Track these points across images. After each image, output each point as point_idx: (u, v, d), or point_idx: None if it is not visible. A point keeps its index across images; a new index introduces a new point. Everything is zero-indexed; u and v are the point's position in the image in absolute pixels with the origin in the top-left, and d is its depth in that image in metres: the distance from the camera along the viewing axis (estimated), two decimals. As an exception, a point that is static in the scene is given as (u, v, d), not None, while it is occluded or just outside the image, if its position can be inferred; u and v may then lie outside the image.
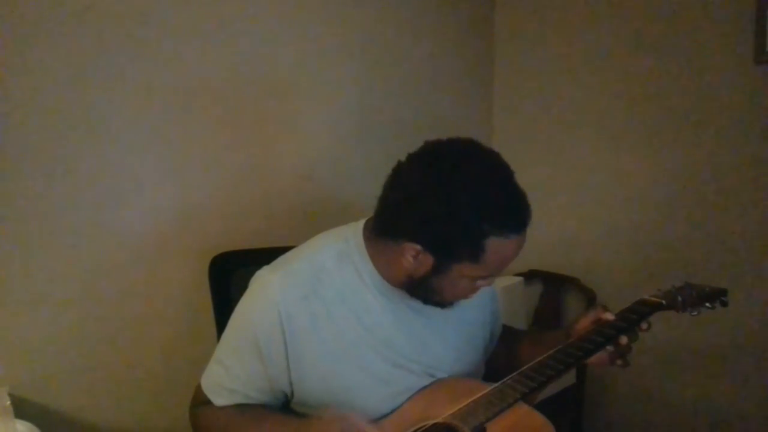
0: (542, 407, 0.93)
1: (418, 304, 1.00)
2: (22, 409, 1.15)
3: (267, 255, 1.03)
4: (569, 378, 1.84)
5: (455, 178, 0.84)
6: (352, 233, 1.00)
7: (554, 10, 1.92)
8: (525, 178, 1.06)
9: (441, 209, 0.84)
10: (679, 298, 1.06)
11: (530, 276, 2.01)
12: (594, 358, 0.96)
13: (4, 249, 1.17)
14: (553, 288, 2.01)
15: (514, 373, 0.93)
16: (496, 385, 0.93)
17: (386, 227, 0.93)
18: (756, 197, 1.58)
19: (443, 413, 0.90)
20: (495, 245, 0.84)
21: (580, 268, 1.93)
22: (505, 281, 1.83)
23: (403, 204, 0.89)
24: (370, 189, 1.01)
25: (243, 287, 1.01)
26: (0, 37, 1.13)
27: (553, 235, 1.98)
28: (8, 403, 1.09)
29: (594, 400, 1.91)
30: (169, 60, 1.33)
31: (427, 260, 0.88)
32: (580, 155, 1.92)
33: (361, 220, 1.02)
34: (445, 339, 1.02)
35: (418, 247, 0.87)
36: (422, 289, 0.93)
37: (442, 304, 0.97)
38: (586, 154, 1.90)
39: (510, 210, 0.85)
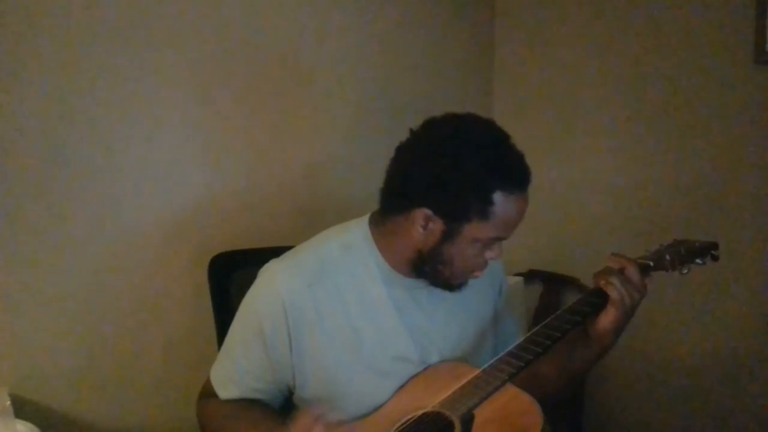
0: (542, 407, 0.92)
1: (421, 295, 1.00)
2: (22, 409, 1.14)
3: (267, 255, 1.03)
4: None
5: (459, 139, 0.88)
6: (357, 224, 1.02)
7: (554, 8, 1.92)
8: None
9: (449, 168, 0.87)
10: (667, 257, 1.01)
11: (530, 276, 2.00)
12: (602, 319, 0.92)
13: (4, 249, 1.17)
14: (553, 288, 2.00)
15: (502, 354, 0.92)
16: (484, 367, 0.91)
17: (394, 201, 0.95)
18: (756, 198, 1.58)
19: (433, 401, 0.89)
20: (502, 200, 0.87)
21: (580, 268, 1.92)
22: (505, 281, 1.82)
23: (410, 171, 0.91)
24: (371, 188, 1.01)
25: (243, 287, 1.02)
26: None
27: (553, 235, 1.98)
28: (8, 403, 1.09)
29: (594, 400, 1.91)
30: (169, 64, 1.33)
31: (437, 226, 0.90)
32: (580, 155, 1.92)
33: (365, 215, 1.03)
34: (445, 332, 1.02)
35: (428, 211, 0.89)
36: (431, 263, 0.93)
37: (451, 280, 0.96)
38: (586, 154, 1.90)
39: (513, 166, 0.89)
